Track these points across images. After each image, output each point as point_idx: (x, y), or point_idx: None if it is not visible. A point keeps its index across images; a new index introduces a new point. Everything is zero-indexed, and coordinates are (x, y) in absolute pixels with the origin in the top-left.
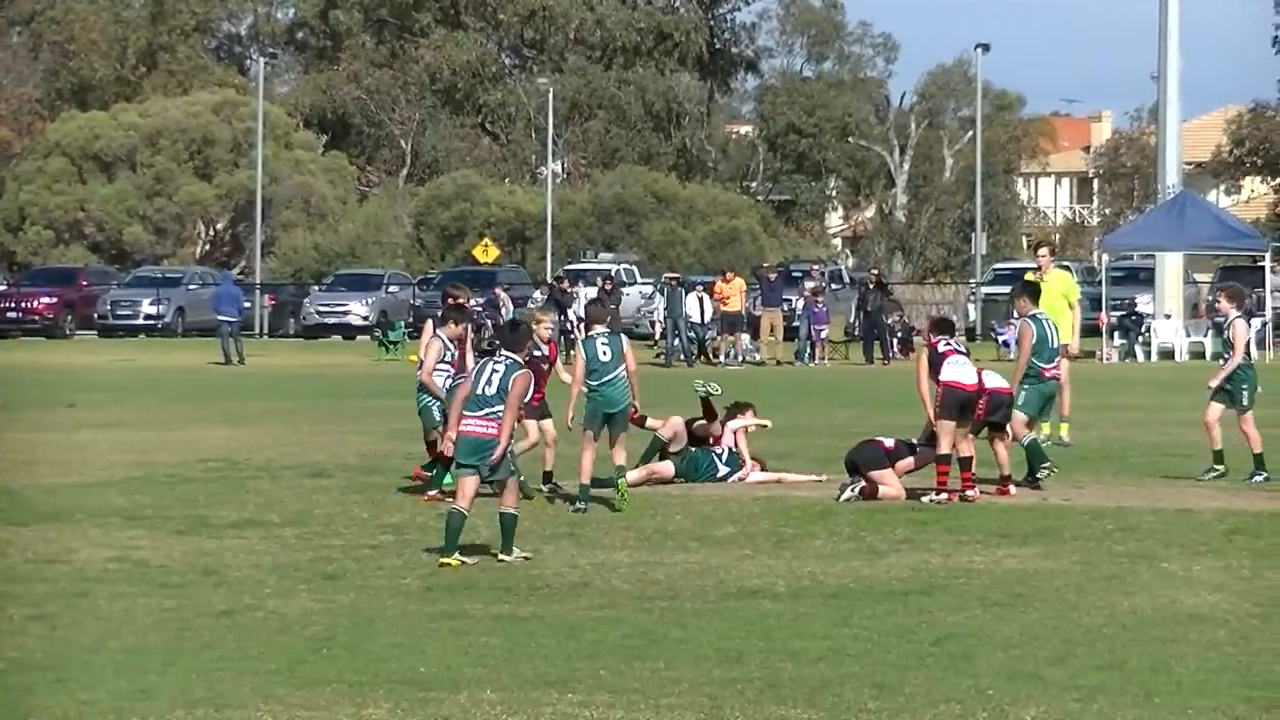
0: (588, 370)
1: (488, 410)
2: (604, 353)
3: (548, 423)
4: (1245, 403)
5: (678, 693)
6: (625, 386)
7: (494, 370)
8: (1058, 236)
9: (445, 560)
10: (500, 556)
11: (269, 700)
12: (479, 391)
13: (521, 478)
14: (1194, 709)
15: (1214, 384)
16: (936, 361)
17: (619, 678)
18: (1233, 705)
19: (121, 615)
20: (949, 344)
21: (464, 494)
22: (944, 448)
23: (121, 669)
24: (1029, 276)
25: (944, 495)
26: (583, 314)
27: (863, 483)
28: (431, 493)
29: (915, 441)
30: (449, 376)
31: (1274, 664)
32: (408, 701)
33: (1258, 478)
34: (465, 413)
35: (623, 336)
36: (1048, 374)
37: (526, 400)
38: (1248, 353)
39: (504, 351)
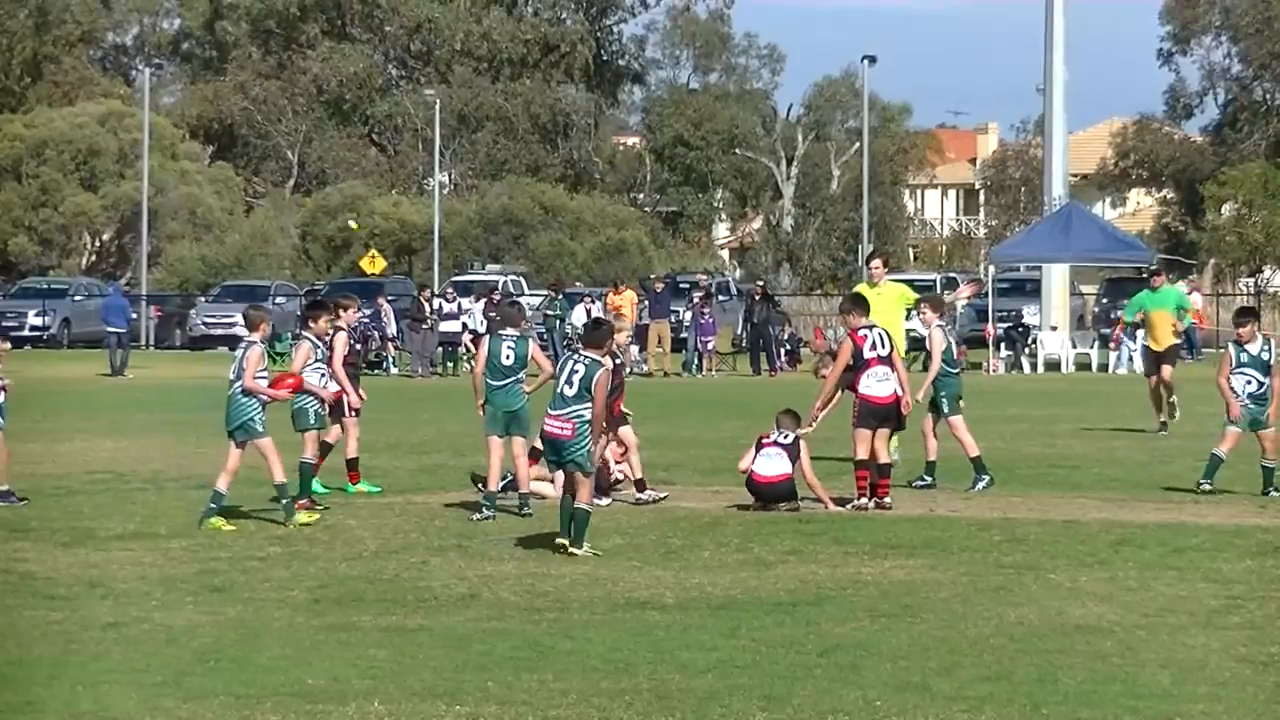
0: (488, 370)
1: (567, 410)
2: (507, 355)
3: (626, 430)
4: (946, 410)
5: (566, 704)
6: (520, 394)
7: (574, 370)
8: (944, 248)
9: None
10: (570, 550)
11: (156, 713)
12: (559, 391)
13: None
14: (1081, 719)
15: (920, 396)
16: (859, 364)
17: (507, 689)
18: (1119, 716)
19: (6, 628)
20: (875, 350)
21: (557, 482)
22: (861, 454)
23: (7, 681)
24: (859, 288)
25: (865, 500)
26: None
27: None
28: (301, 500)
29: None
30: (324, 375)
31: (1159, 675)
32: (295, 714)
33: (980, 484)
34: (548, 411)
35: (530, 341)
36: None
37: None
38: (952, 360)
39: (585, 351)
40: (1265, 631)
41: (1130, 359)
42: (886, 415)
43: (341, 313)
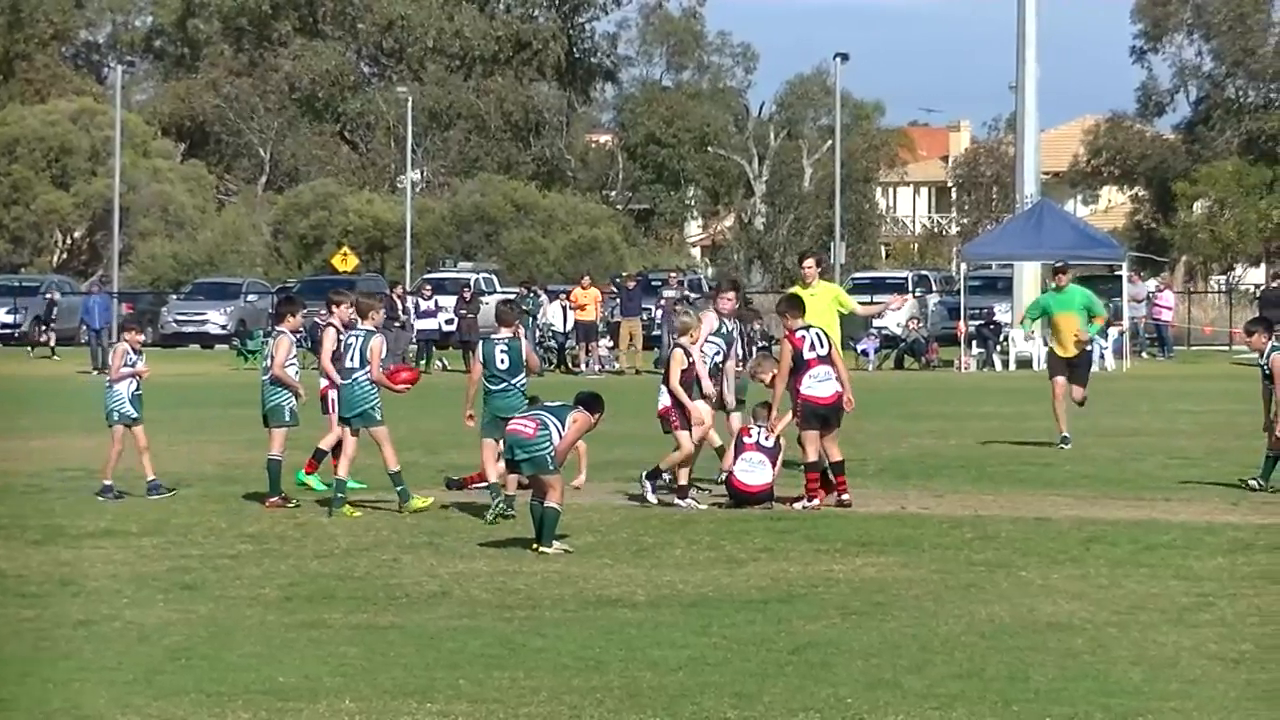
0: (485, 374)
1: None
2: (502, 360)
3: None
4: (732, 404)
5: (537, 702)
6: (521, 397)
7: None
8: (916, 246)
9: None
10: (541, 548)
11: (127, 710)
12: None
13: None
14: (1052, 717)
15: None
16: (800, 366)
17: (478, 687)
18: (1090, 713)
19: None
20: (814, 350)
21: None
22: (811, 456)
23: None
24: (794, 290)
25: (815, 501)
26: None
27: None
28: (273, 499)
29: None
30: (299, 370)
31: (1130, 672)
32: (266, 712)
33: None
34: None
35: (524, 342)
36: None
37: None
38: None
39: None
40: (1236, 629)
41: (1102, 356)
42: (830, 414)
43: (334, 308)
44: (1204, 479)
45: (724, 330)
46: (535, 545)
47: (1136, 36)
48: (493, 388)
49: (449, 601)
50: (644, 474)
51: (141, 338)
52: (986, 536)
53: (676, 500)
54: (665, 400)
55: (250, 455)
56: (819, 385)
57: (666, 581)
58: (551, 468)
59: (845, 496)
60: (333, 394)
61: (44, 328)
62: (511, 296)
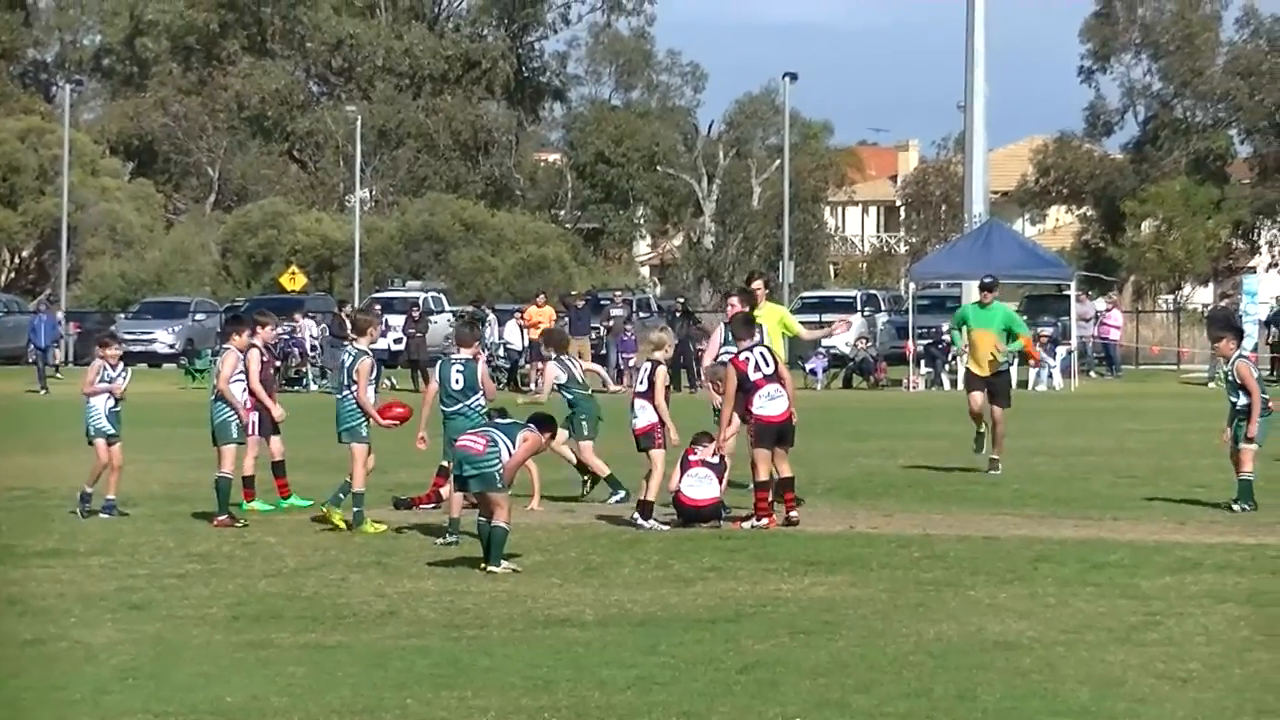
0: (440, 394)
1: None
2: (456, 380)
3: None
4: (585, 432)
5: None
6: (477, 418)
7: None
8: (865, 265)
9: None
10: (489, 567)
11: None
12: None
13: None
14: None
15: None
16: (748, 388)
17: (426, 707)
18: None
19: None
20: (759, 371)
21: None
22: (762, 475)
23: None
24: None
25: (764, 521)
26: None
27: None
28: (221, 517)
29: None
30: (245, 389)
31: (1078, 691)
32: None
33: (615, 497)
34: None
35: (480, 365)
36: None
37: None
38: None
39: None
40: (1183, 648)
41: (1051, 375)
42: (782, 432)
43: (259, 329)
44: (1151, 500)
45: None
46: (483, 565)
47: (1085, 56)
48: (446, 409)
49: (397, 621)
50: (636, 516)
51: (118, 353)
52: (935, 555)
53: (639, 519)
54: (648, 419)
55: (197, 475)
56: (770, 404)
57: (615, 601)
58: (500, 485)
59: (794, 515)
60: (254, 416)
61: None
62: (477, 316)
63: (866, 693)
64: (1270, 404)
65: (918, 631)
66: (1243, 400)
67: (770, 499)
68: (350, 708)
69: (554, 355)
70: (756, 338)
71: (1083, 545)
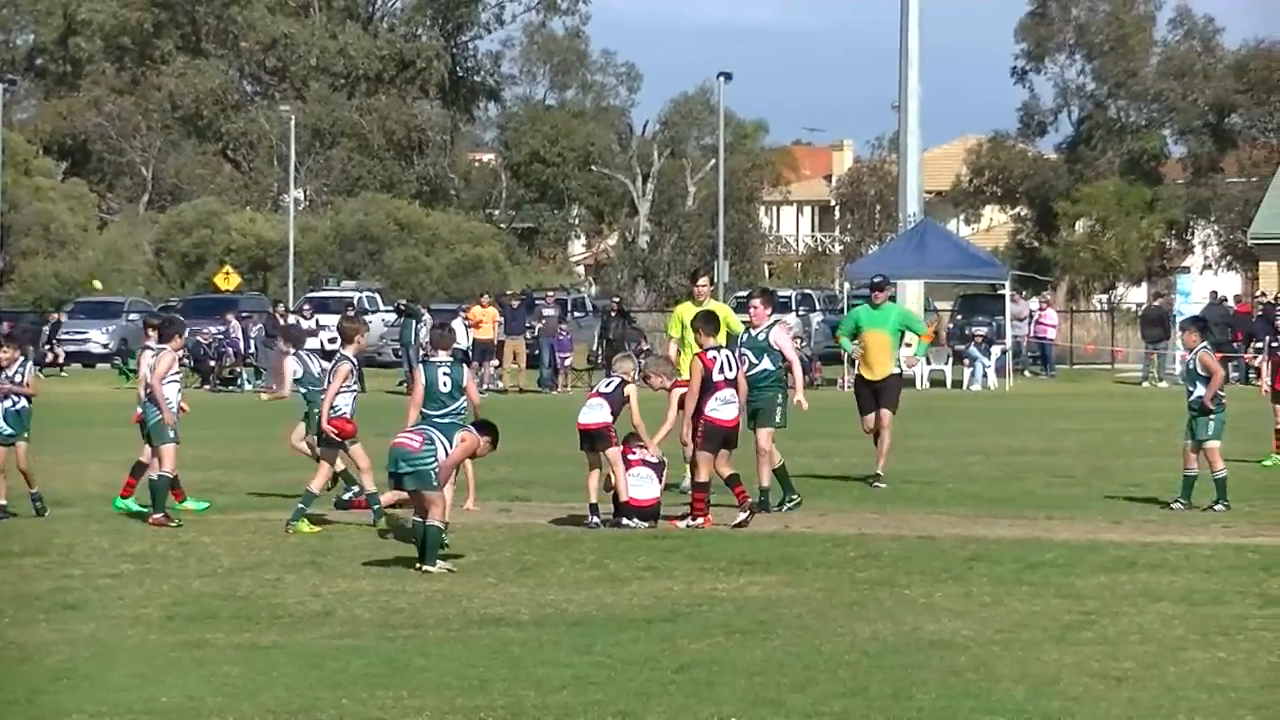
0: (426, 398)
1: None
2: (444, 382)
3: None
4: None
5: None
6: (464, 421)
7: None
8: (800, 265)
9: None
10: (424, 567)
11: None
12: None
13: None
14: None
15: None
16: (708, 387)
17: (362, 706)
18: None
19: None
20: (723, 373)
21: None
22: (702, 476)
23: None
24: (683, 308)
25: (700, 520)
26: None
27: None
28: (157, 516)
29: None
30: (181, 389)
31: (1014, 690)
32: None
33: (348, 494)
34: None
35: (465, 367)
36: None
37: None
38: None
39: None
40: (1118, 647)
41: (985, 375)
42: (728, 437)
43: (150, 332)
44: (1086, 500)
45: (752, 340)
46: (419, 564)
47: (1019, 56)
48: (432, 412)
49: (332, 621)
50: (591, 519)
51: (11, 354)
52: (870, 555)
53: (591, 517)
54: (600, 418)
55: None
56: (724, 408)
57: (550, 600)
58: (435, 484)
59: (751, 502)
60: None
61: None
62: (413, 311)
63: (802, 692)
64: (1224, 399)
65: (853, 630)
66: (1199, 390)
67: (707, 499)
68: (286, 708)
69: (292, 350)
70: (723, 339)
71: (1018, 544)
